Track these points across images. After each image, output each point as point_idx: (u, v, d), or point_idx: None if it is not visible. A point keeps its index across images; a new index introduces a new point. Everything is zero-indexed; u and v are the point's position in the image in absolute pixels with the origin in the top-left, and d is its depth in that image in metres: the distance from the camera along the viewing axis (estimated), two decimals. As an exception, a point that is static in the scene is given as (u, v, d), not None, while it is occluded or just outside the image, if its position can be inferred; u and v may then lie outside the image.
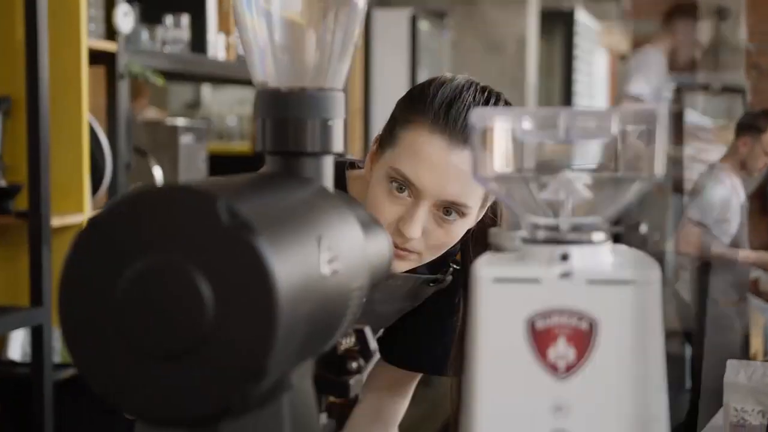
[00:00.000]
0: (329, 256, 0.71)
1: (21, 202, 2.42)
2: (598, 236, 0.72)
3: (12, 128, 2.47)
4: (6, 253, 2.50)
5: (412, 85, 5.64)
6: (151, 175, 2.92)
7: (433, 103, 1.25)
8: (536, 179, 0.73)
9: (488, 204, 1.35)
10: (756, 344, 5.35)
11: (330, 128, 0.83)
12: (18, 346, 2.63)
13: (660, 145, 0.70)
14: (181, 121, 3.18)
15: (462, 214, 1.27)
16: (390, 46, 4.74)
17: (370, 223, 0.88)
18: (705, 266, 4.40)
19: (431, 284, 1.44)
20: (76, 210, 2.52)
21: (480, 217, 1.36)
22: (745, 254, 4.36)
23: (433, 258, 1.32)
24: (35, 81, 2.38)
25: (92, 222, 0.64)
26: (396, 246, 1.28)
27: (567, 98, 7.52)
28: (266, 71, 0.84)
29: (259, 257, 0.61)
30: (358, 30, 0.86)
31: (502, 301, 0.70)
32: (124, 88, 2.69)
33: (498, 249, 0.79)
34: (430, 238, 1.28)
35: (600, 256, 0.71)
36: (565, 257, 0.70)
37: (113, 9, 2.66)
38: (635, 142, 0.71)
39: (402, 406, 1.53)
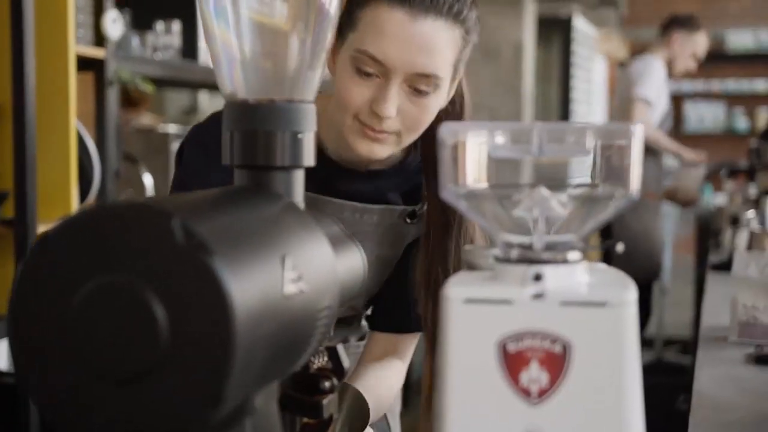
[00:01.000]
0: (294, 275, 0.68)
1: (7, 210, 2.39)
2: (573, 255, 0.69)
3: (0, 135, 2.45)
4: (-8, 261, 2.48)
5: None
6: (141, 183, 2.90)
7: None
8: (509, 196, 0.71)
9: (459, 76, 1.33)
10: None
11: (300, 141, 0.81)
12: (4, 355, 2.60)
13: (636, 162, 0.67)
14: (173, 128, 3.16)
15: (434, 87, 1.25)
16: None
17: (341, 239, 0.86)
18: None
19: (408, 220, 1.41)
20: (63, 218, 2.50)
21: (451, 95, 1.33)
22: (668, 143, 4.67)
23: (412, 140, 1.30)
24: (22, 87, 2.35)
25: (45, 238, 0.61)
26: (372, 129, 1.26)
27: (565, 105, 7.50)
28: (234, 82, 0.81)
29: (214, 278, 0.58)
30: (329, 38, 0.84)
31: (472, 323, 0.67)
32: (112, 94, 2.66)
33: (471, 267, 0.76)
34: (406, 117, 1.26)
35: (575, 276, 0.69)
36: (538, 277, 0.68)
37: (102, 15, 2.63)
38: (611, 158, 0.68)
39: (401, 373, 1.48)
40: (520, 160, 0.70)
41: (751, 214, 3.14)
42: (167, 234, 0.59)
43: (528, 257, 0.69)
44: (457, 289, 0.68)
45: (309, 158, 0.81)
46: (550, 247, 0.69)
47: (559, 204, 0.70)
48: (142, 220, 0.60)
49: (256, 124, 0.79)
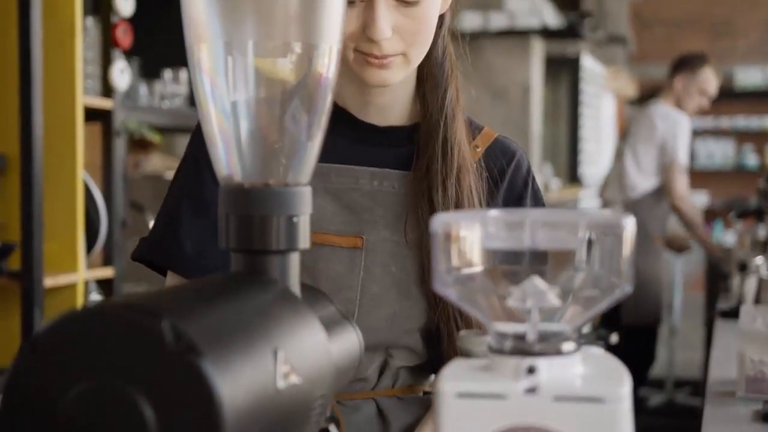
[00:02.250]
0: (287, 368, 0.68)
1: (14, 262, 2.40)
2: (567, 346, 0.69)
3: (6, 186, 2.46)
4: (-2, 313, 2.48)
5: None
6: (148, 230, 2.90)
7: None
8: (502, 285, 0.71)
9: None
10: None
11: (296, 225, 0.80)
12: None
13: (627, 254, 0.67)
14: (180, 175, 3.16)
15: None
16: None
17: (336, 320, 0.85)
18: (642, 201, 4.58)
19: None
20: (70, 269, 2.50)
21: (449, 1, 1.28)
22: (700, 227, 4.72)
23: (421, 56, 1.22)
24: (29, 139, 2.36)
25: (34, 340, 0.61)
26: (375, 57, 1.18)
27: (573, 144, 7.50)
28: (230, 165, 0.82)
29: (204, 381, 0.58)
30: (324, 120, 0.84)
31: (466, 417, 0.67)
32: (120, 144, 2.68)
33: (466, 354, 0.76)
34: (404, 32, 1.18)
35: (569, 368, 0.68)
36: (531, 370, 0.67)
37: (110, 66, 2.65)
38: (604, 249, 0.68)
39: None
40: (513, 249, 0.70)
41: (759, 260, 3.12)
42: (157, 336, 0.59)
43: (521, 349, 0.69)
44: (450, 383, 0.67)
45: (305, 241, 0.81)
46: (543, 338, 0.69)
47: (553, 294, 0.69)
48: (131, 322, 0.60)
49: (252, 209, 0.79)
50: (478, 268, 0.71)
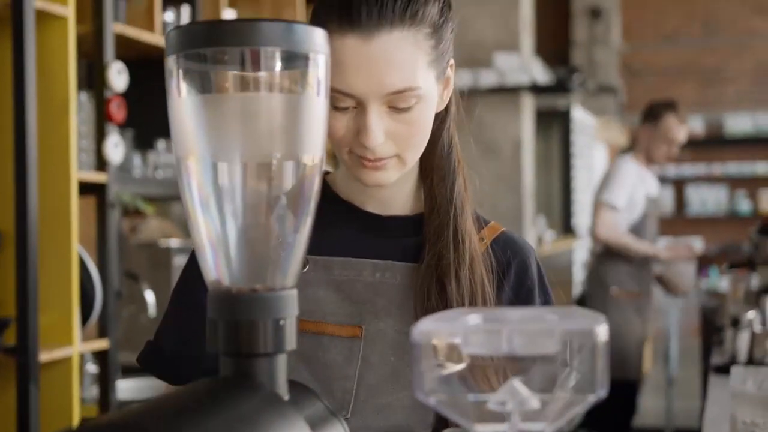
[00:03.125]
0: (273, 476, 0.70)
1: (9, 337, 2.41)
2: (546, 449, 0.71)
3: (2, 262, 2.49)
4: (-7, 388, 2.49)
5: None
6: (143, 300, 2.92)
7: (331, 3, 1.16)
8: (483, 389, 0.73)
9: (448, 73, 1.24)
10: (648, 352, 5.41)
11: (282, 327, 0.83)
12: None
13: (602, 361, 0.70)
14: (174, 242, 3.19)
15: (416, 98, 1.16)
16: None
17: (324, 418, 0.87)
18: (604, 254, 4.55)
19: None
20: (65, 343, 2.52)
21: (447, 95, 1.26)
22: (639, 246, 4.50)
23: (417, 156, 1.21)
24: (24, 215, 2.39)
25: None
26: (368, 160, 1.18)
27: (566, 195, 7.55)
28: (218, 271, 0.84)
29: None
30: (308, 226, 0.86)
31: None
32: (114, 217, 2.71)
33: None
34: (397, 137, 1.17)
35: (548, 471, 0.70)
36: (512, 473, 0.69)
37: (104, 140, 2.69)
38: (579, 356, 0.71)
39: None
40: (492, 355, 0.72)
41: (751, 314, 3.14)
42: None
43: (502, 453, 0.71)
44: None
45: (291, 342, 0.84)
46: (523, 440, 0.71)
47: (532, 397, 0.72)
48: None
49: (239, 314, 0.82)
50: (458, 374, 0.74)
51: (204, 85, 0.83)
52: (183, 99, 0.82)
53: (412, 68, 1.15)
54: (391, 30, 1.14)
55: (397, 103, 1.16)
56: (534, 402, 0.72)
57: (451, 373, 0.74)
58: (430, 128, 1.22)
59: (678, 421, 5.62)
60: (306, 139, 0.83)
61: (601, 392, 0.71)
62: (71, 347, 2.52)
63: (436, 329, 0.72)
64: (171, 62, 0.82)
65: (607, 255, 4.52)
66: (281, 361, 0.83)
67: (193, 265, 1.31)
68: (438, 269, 1.24)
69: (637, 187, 4.52)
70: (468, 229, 1.26)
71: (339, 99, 1.16)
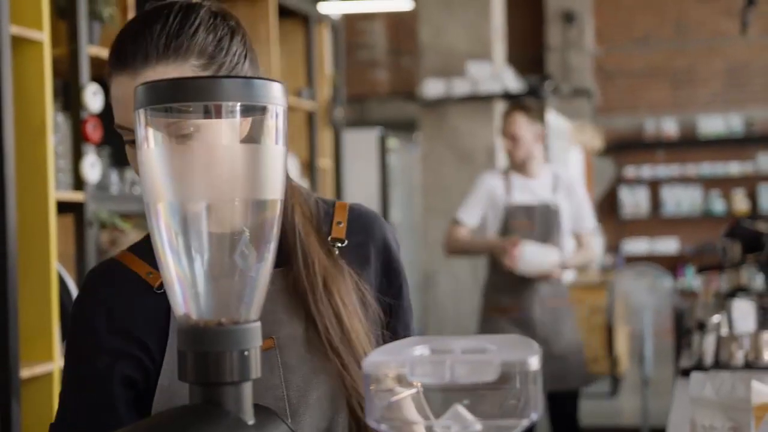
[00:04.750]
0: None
1: (-11, 355, 2.47)
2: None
3: (-18, 280, 2.54)
4: (-25, 405, 2.54)
5: (383, 201, 5.75)
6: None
7: (111, 48, 1.24)
8: (428, 414, 0.80)
9: None
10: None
11: (247, 357, 0.90)
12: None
13: (535, 387, 0.77)
14: (152, 256, 3.24)
15: (195, 127, 1.10)
16: (361, 164, 4.86)
17: (288, 441, 0.94)
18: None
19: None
20: (45, 359, 2.57)
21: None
22: (477, 242, 4.22)
23: None
24: (4, 234, 2.44)
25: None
26: None
27: (542, 198, 7.63)
28: (187, 306, 0.91)
29: None
30: (270, 259, 0.93)
31: None
32: (92, 235, 2.76)
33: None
34: None
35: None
36: (455, 492, 0.76)
37: (81, 160, 2.75)
38: (516, 385, 0.78)
39: None
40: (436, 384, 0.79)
41: (717, 318, 3.22)
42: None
43: (446, 472, 0.78)
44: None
45: (256, 371, 0.91)
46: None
47: (474, 421, 0.79)
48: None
49: (207, 346, 0.89)
50: (405, 401, 0.81)
51: (169, 137, 0.90)
52: (151, 149, 0.88)
53: None
54: (156, 65, 1.20)
55: (178, 132, 1.07)
56: (476, 426, 0.79)
57: (398, 400, 0.81)
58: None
59: (654, 420, 5.71)
60: (266, 183, 0.90)
61: (534, 416, 0.78)
62: (52, 363, 2.58)
63: (384, 361, 0.79)
64: (139, 115, 0.88)
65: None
66: (247, 389, 0.90)
67: (81, 332, 1.29)
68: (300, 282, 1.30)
69: (484, 199, 4.22)
70: (312, 249, 1.30)
71: (125, 133, 1.23)
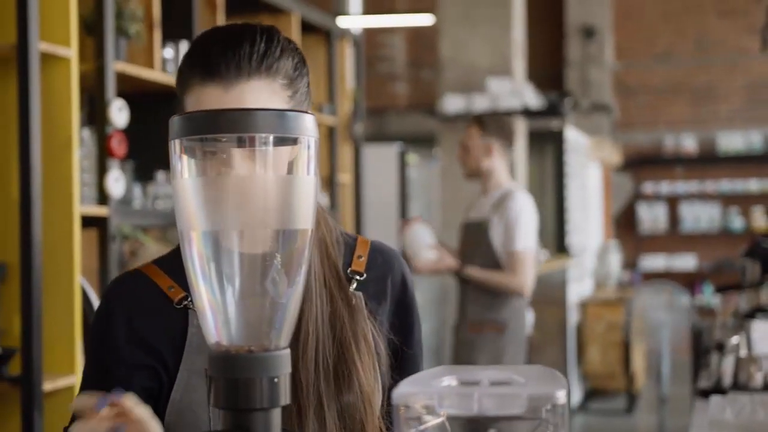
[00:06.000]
0: None
1: (14, 367, 2.49)
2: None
3: (7, 294, 2.57)
4: (-2, 419, 2.57)
5: (402, 216, 5.76)
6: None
7: (193, 57, 1.25)
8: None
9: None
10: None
11: (277, 384, 0.91)
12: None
13: (563, 421, 0.78)
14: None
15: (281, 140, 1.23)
16: (380, 179, 4.87)
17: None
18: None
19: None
20: (68, 372, 2.60)
21: None
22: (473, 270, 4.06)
23: None
24: (29, 248, 2.48)
25: None
26: None
27: (560, 214, 7.63)
28: (218, 333, 0.93)
29: None
30: (301, 286, 0.95)
31: None
32: (115, 249, 2.79)
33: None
34: None
35: None
36: None
37: (105, 175, 2.78)
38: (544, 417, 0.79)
39: None
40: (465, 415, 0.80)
41: (736, 339, 3.21)
42: None
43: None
44: None
45: (286, 398, 0.92)
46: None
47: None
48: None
49: (237, 373, 0.91)
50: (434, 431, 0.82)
51: (204, 167, 0.92)
52: (185, 179, 0.90)
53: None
54: (249, 79, 1.22)
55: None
56: (503, 455, 0.80)
57: (427, 429, 0.82)
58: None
59: (672, 439, 5.70)
60: (298, 213, 0.92)
61: (562, 447, 0.79)
62: (74, 376, 2.60)
63: (413, 393, 0.81)
64: (174, 146, 0.90)
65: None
66: (276, 415, 0.92)
67: (102, 337, 1.31)
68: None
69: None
70: (318, 314, 1.30)
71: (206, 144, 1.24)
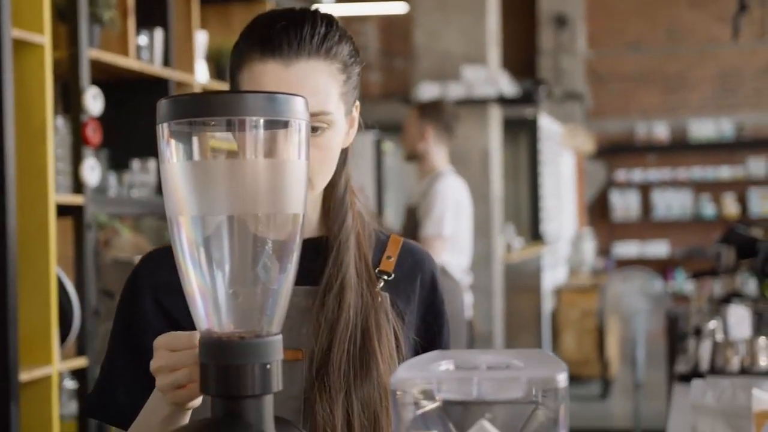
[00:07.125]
0: None
1: (-11, 358, 2.46)
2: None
3: (-19, 284, 2.53)
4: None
5: (378, 204, 5.75)
6: (119, 317, 2.96)
7: (253, 34, 1.26)
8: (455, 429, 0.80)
9: (354, 113, 1.33)
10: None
11: (269, 371, 0.90)
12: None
13: (563, 403, 0.77)
14: (149, 259, 3.23)
15: (328, 123, 1.25)
16: (356, 167, 4.83)
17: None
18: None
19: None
20: (44, 362, 2.57)
21: (353, 134, 1.33)
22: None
23: (324, 183, 1.29)
24: (3, 237, 2.44)
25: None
26: None
27: (534, 201, 7.66)
28: (209, 321, 0.91)
29: None
30: (293, 272, 0.94)
31: None
32: (90, 237, 2.76)
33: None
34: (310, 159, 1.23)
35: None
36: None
37: (80, 163, 2.74)
38: (543, 401, 0.78)
39: None
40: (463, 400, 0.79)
41: (713, 324, 3.23)
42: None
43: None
44: None
45: (278, 384, 0.91)
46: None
47: (497, 435, 0.79)
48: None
49: (229, 359, 0.89)
50: (432, 415, 0.81)
51: (192, 151, 0.90)
52: (173, 163, 0.89)
53: (325, 94, 1.25)
54: (309, 59, 1.24)
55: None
56: (501, 440, 0.79)
57: (424, 415, 0.81)
58: (338, 158, 1.30)
59: (646, 423, 5.74)
60: (288, 197, 0.91)
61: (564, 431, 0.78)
62: (50, 366, 2.57)
63: (411, 377, 0.80)
64: (162, 130, 0.88)
65: None
66: (268, 402, 0.91)
67: (130, 306, 1.32)
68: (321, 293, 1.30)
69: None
70: (346, 261, 1.31)
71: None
